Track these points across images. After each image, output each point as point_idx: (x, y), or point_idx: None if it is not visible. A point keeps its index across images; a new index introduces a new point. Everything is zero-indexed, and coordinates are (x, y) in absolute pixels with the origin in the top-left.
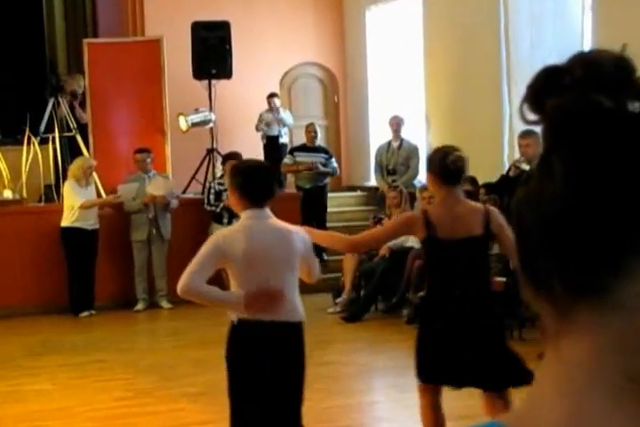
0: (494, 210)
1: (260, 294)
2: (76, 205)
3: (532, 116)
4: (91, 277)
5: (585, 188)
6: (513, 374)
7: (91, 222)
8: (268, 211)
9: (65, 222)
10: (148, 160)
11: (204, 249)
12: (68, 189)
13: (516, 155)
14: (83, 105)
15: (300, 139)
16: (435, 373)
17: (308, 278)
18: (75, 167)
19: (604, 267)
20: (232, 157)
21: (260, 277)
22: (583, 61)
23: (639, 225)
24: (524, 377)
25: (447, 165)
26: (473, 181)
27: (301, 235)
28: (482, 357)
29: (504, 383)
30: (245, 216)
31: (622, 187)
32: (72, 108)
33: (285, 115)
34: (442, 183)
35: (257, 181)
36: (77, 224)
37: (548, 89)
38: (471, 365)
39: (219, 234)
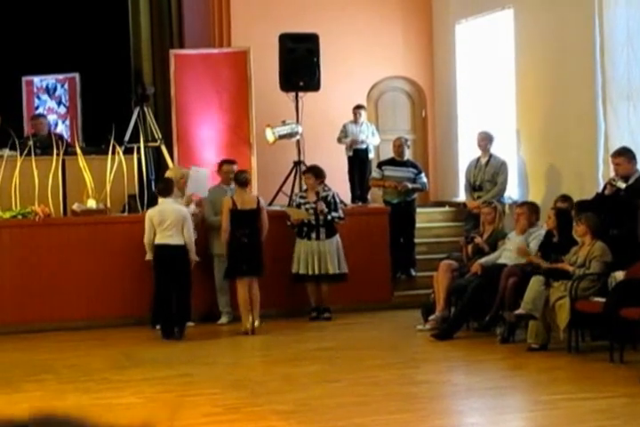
0: (260, 199)
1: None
2: None
3: None
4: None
5: None
6: (259, 269)
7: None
8: (170, 199)
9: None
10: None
11: (146, 222)
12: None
13: (612, 173)
14: None
15: (388, 153)
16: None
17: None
18: None
19: None
20: (311, 170)
21: (165, 231)
22: None
23: None
24: (261, 272)
25: (237, 177)
26: (565, 198)
27: (185, 212)
28: (250, 258)
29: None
30: (160, 201)
31: None
32: None
33: (370, 129)
34: (238, 186)
35: (164, 186)
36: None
37: None
38: (246, 262)
39: (148, 212)
